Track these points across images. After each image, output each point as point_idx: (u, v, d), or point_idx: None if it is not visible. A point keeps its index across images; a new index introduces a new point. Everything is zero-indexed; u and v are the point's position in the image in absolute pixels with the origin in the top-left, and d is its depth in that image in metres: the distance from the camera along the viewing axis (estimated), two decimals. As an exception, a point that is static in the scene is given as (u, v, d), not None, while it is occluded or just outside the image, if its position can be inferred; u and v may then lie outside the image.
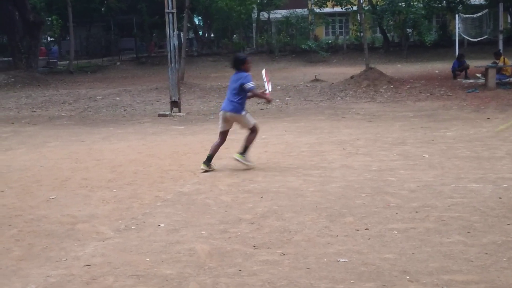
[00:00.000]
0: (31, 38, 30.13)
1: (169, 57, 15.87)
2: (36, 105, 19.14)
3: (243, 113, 8.71)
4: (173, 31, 15.84)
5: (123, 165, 9.32)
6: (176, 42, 15.90)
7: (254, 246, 5.32)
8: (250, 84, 8.52)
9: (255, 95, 9.00)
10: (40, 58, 33.81)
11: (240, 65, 8.66)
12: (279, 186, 7.54)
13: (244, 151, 8.75)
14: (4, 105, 19.27)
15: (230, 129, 9.00)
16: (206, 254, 5.16)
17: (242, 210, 6.50)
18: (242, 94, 8.60)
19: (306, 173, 8.21)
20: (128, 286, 4.52)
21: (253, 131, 8.86)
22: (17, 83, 25.88)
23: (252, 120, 8.90)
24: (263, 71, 9.50)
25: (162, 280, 4.60)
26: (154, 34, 50.51)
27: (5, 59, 34.56)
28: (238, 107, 8.63)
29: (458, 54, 21.96)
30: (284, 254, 5.08)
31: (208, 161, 8.66)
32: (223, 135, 8.93)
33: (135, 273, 4.76)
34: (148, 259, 5.08)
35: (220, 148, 8.88)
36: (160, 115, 15.65)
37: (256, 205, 6.69)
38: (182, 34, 23.78)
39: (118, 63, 40.07)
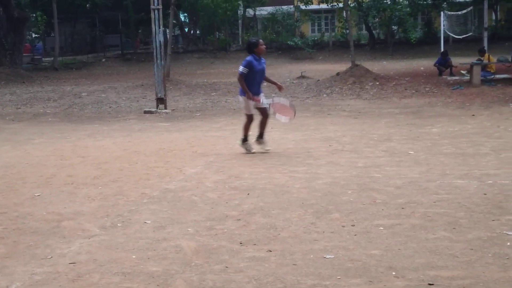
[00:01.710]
0: (15, 34, 29.87)
1: (154, 53, 15.81)
2: (21, 102, 18.98)
3: (240, 98, 9.51)
4: (159, 27, 15.78)
5: (108, 162, 9.27)
6: (162, 39, 15.85)
7: (241, 243, 5.32)
8: (239, 69, 9.24)
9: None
10: (24, 54, 33.53)
11: (252, 48, 9.26)
12: (266, 183, 7.54)
13: (243, 137, 9.62)
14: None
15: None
16: (192, 251, 5.14)
17: (229, 207, 6.49)
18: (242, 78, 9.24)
19: (292, 170, 8.21)
20: (114, 283, 4.50)
21: (247, 119, 9.56)
22: (1, 80, 25.64)
23: (249, 109, 9.45)
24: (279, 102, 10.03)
25: (148, 277, 4.58)
26: (140, 31, 50.35)
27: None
28: (240, 90, 9.46)
29: (442, 51, 22.05)
30: (270, 251, 5.08)
31: (260, 137, 9.71)
32: (260, 112, 9.60)
33: (121, 270, 4.74)
34: (134, 256, 5.06)
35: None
36: (145, 112, 15.59)
37: (242, 202, 6.68)
38: (168, 30, 23.67)
39: (103, 60, 39.85)
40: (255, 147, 9.68)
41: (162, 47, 16.14)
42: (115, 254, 5.15)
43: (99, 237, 5.63)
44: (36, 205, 6.86)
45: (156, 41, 15.66)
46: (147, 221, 6.07)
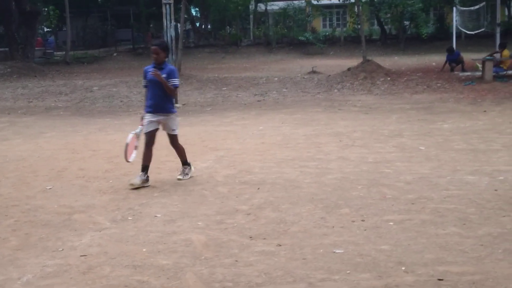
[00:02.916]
0: (27, 28, 30.02)
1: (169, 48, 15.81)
2: (33, 95, 19.07)
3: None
4: (170, 22, 15.79)
5: (119, 156, 9.23)
6: (173, 33, 15.87)
7: (251, 237, 5.34)
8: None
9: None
10: (36, 48, 33.69)
11: None
12: (276, 177, 7.55)
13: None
14: (0, 96, 19.19)
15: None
16: (202, 245, 5.17)
17: (239, 201, 6.51)
18: None
19: (302, 165, 8.22)
20: (124, 276, 4.53)
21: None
22: (13, 74, 25.76)
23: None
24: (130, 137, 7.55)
25: (159, 270, 4.61)
26: (151, 25, 50.38)
27: (1, 49, 34.42)
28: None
29: (448, 47, 21.79)
30: (280, 245, 5.10)
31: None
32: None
33: (132, 263, 4.78)
34: (144, 250, 5.09)
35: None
36: (157, 106, 15.60)
37: (252, 196, 6.70)
38: (179, 25, 23.66)
39: (114, 54, 39.92)
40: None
41: (174, 41, 16.14)
42: (125, 247, 5.18)
43: (110, 230, 5.67)
44: (47, 198, 6.91)
45: (167, 36, 15.68)
46: (157, 215, 6.10)
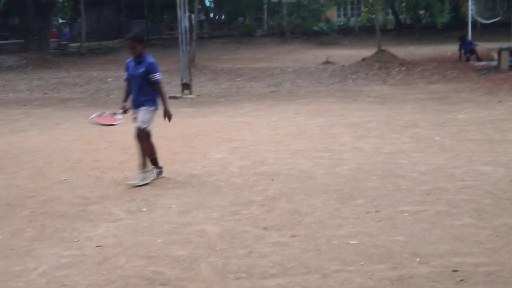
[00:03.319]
0: (42, 20, 30.14)
1: (180, 39, 15.85)
2: (48, 87, 19.17)
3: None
4: (184, 13, 15.79)
5: (134, 147, 9.30)
6: (187, 24, 15.86)
7: (265, 228, 5.34)
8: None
9: None
10: (51, 40, 33.83)
11: None
12: (290, 168, 7.54)
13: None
14: (16, 87, 19.32)
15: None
16: (217, 236, 5.18)
17: (253, 192, 6.52)
18: None
19: (316, 156, 8.20)
20: (139, 266, 4.55)
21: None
22: (28, 65, 25.91)
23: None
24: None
25: (173, 261, 4.63)
26: (165, 16, 50.38)
27: (17, 41, 34.62)
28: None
29: (460, 35, 21.53)
30: (294, 236, 5.10)
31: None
32: None
33: (147, 254, 4.80)
34: (159, 240, 5.11)
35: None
36: (171, 97, 15.56)
37: (267, 187, 6.70)
38: (193, 15, 23.67)
39: (129, 45, 39.95)
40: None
41: (188, 32, 16.14)
42: (140, 237, 5.21)
43: (125, 221, 5.70)
44: (63, 189, 6.96)
45: (181, 26, 15.68)
46: (172, 206, 6.13)
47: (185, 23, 15.89)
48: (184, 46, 15.87)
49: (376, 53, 20.05)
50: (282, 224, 5.45)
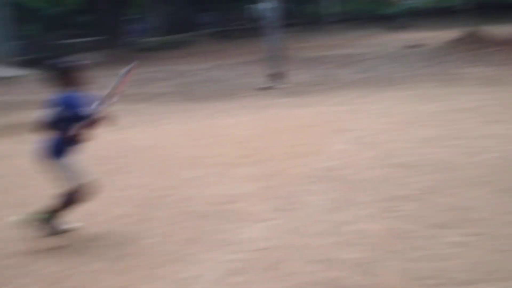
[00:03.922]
0: (118, 16, 30.43)
1: (266, 28, 15.54)
2: (136, 82, 18.97)
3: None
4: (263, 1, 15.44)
5: (248, 140, 9.05)
6: (272, 13, 15.49)
7: (432, 226, 4.91)
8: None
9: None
10: (127, 35, 34.15)
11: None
12: (425, 158, 7.07)
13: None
14: (106, 85, 19.38)
15: None
16: (381, 236, 4.79)
17: (400, 186, 6.08)
18: None
19: (448, 144, 7.68)
20: (315, 272, 4.21)
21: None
22: (109, 62, 26.12)
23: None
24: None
25: (349, 265, 4.27)
26: (236, 7, 50.14)
27: (93, 38, 35.09)
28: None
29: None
30: (472, 235, 4.64)
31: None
32: None
33: (317, 258, 4.45)
34: (322, 242, 4.76)
35: None
36: (261, 88, 15.32)
37: (410, 180, 6.25)
38: (272, 4, 23.29)
39: (200, 38, 40.02)
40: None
41: (272, 21, 15.78)
42: (300, 239, 4.87)
43: (274, 221, 5.37)
44: (193, 187, 6.70)
45: (267, 16, 15.34)
46: (317, 203, 5.77)
47: (270, 11, 15.52)
48: (272, 36, 15.53)
49: (466, 33, 19.18)
50: (448, 221, 5.00)
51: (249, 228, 5.23)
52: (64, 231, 5.23)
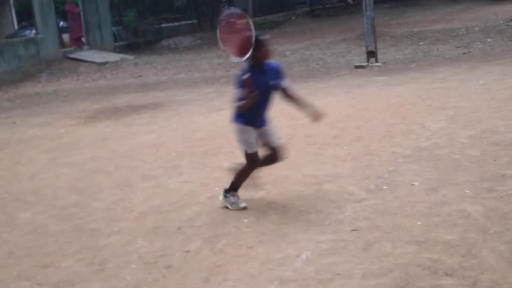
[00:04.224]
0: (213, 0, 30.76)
1: (364, 5, 15.26)
2: (229, 64, 19.34)
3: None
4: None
5: (341, 120, 8.96)
6: (371, -11, 15.18)
7: (538, 207, 4.72)
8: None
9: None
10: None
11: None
12: (529, 136, 6.77)
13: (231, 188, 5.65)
14: (199, 67, 19.77)
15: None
16: (483, 216, 4.65)
17: (500, 165, 5.86)
18: None
19: (554, 121, 7.33)
20: (411, 253, 4.15)
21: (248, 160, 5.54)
22: (203, 45, 26.57)
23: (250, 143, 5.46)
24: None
25: (447, 247, 4.17)
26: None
27: (189, 21, 35.71)
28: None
29: None
30: None
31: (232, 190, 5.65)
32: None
33: (412, 239, 4.38)
34: (419, 223, 4.68)
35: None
36: (357, 67, 15.10)
37: (512, 159, 6.02)
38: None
39: (293, 18, 39.87)
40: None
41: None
42: (396, 220, 4.80)
43: (370, 201, 5.32)
44: (288, 167, 6.70)
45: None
46: (414, 183, 5.66)
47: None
48: (368, 13, 15.25)
49: None
50: (553, 201, 4.79)
51: (346, 208, 5.21)
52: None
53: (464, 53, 15.37)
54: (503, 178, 5.49)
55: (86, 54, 23.39)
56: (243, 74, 5.23)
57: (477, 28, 19.50)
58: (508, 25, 19.34)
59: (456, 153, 6.49)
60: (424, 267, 3.93)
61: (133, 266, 4.54)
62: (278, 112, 10.14)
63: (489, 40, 17.04)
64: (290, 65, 17.47)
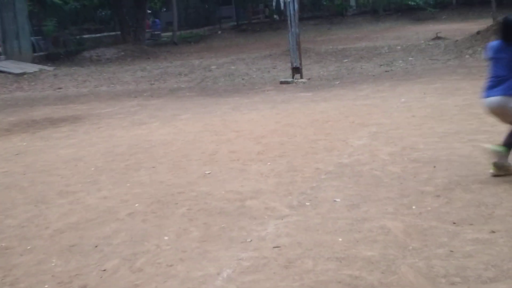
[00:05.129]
0: (138, 11, 30.44)
1: (289, 21, 15.41)
2: (153, 77, 19.18)
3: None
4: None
5: (265, 136, 8.96)
6: (296, 6, 15.35)
7: (454, 223, 4.80)
8: None
9: None
10: (147, 30, 34.21)
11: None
12: (448, 153, 6.93)
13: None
14: (122, 79, 19.45)
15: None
16: (403, 233, 4.68)
17: (419, 182, 5.96)
18: None
19: (471, 139, 7.54)
20: (331, 270, 4.12)
21: None
22: (127, 57, 26.22)
23: None
24: None
25: (367, 263, 4.17)
26: (256, 0, 50.04)
27: (112, 33, 35.21)
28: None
29: None
30: (494, 232, 4.53)
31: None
32: None
33: (333, 255, 4.36)
34: (340, 239, 4.66)
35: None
36: (282, 82, 15.21)
37: (432, 175, 6.13)
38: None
39: (219, 32, 40.05)
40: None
41: (293, 14, 15.63)
42: (318, 236, 4.78)
43: (292, 218, 5.28)
44: (210, 183, 6.62)
45: (290, 9, 15.22)
46: (336, 199, 5.67)
47: (293, 5, 15.39)
48: (293, 29, 15.40)
49: (492, 25, 18.86)
50: (471, 217, 4.88)
51: (268, 225, 5.15)
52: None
53: (386, 71, 15.76)
54: (422, 194, 5.57)
55: (3, 64, 22.63)
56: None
57: (399, 47, 20.08)
58: (429, 44, 20.03)
59: (378, 169, 6.56)
60: (345, 283, 3.90)
61: (46, 286, 4.32)
62: (201, 127, 10.12)
63: (411, 58, 17.56)
64: (215, 80, 17.46)
